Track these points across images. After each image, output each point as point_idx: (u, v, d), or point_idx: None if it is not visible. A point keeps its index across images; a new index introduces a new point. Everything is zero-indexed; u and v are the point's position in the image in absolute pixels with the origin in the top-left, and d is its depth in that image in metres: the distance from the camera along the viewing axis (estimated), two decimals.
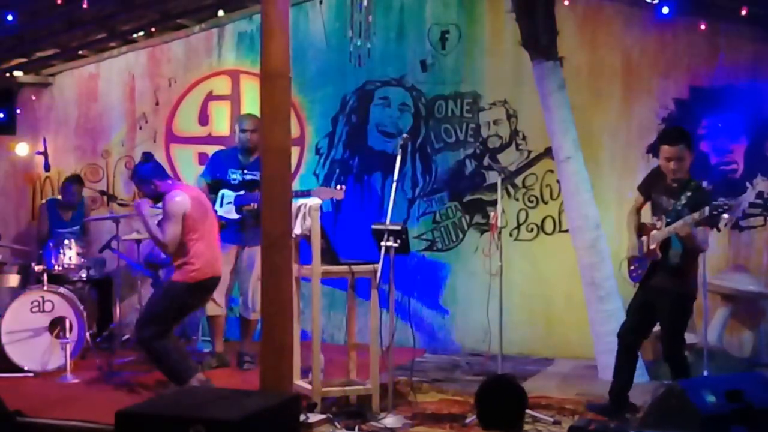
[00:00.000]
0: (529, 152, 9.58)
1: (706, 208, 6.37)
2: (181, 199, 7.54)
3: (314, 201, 7.20)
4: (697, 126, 8.94)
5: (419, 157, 9.98)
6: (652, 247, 6.84)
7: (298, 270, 7.27)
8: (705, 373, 7.73)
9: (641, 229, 7.08)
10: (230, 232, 8.71)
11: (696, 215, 6.45)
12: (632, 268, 7.13)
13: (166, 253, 7.63)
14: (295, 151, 9.98)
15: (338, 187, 8.26)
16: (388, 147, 10.00)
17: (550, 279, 9.37)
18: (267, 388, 6.16)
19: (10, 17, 8.74)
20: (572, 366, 8.60)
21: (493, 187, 8.84)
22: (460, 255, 9.87)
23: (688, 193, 6.72)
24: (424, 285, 9.90)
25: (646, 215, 7.13)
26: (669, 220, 6.71)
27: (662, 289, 6.83)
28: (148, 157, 7.86)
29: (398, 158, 7.22)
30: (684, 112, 9.02)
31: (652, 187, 7.05)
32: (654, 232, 6.84)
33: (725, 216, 6.60)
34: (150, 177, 7.69)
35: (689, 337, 8.51)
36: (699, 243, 6.66)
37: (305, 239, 7.24)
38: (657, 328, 8.68)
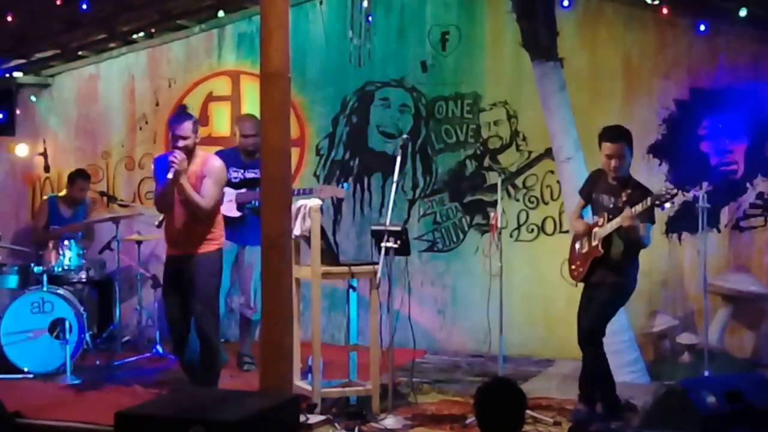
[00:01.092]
0: (530, 153, 9.55)
1: (649, 199, 6.52)
2: (223, 165, 7.49)
3: (314, 202, 7.17)
4: (697, 127, 8.94)
5: (420, 158, 9.95)
6: (594, 244, 6.91)
7: (298, 271, 7.23)
8: (706, 373, 7.72)
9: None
10: (230, 230, 8.68)
11: (639, 206, 6.54)
12: (573, 267, 7.20)
13: (200, 220, 7.32)
14: (295, 152, 9.93)
15: (341, 185, 8.23)
16: (389, 148, 9.97)
17: (551, 280, 9.31)
18: (267, 388, 6.12)
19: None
20: (573, 367, 8.51)
21: (493, 188, 8.81)
22: (460, 256, 9.84)
23: (629, 191, 6.82)
24: (424, 286, 9.88)
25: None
26: (611, 217, 6.78)
27: (602, 281, 6.92)
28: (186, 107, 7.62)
29: (398, 159, 7.21)
30: (684, 112, 9.00)
31: (592, 188, 7.15)
32: (596, 229, 6.92)
33: (667, 205, 6.74)
34: (197, 130, 7.50)
35: (690, 338, 8.57)
36: (641, 237, 6.73)
37: (305, 240, 7.22)
38: (658, 327, 8.76)
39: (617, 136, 6.93)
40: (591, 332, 6.86)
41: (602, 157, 6.97)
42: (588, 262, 6.97)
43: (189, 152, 7.25)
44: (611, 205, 6.88)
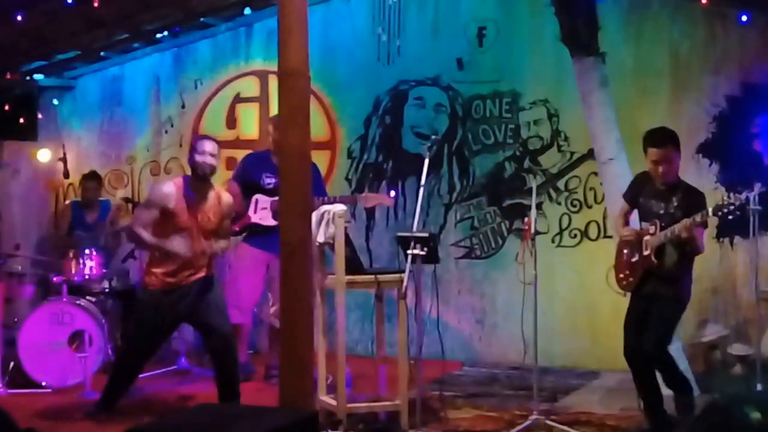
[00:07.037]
0: (572, 153, 9.26)
1: (710, 209, 6.18)
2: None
3: (338, 207, 6.85)
4: (750, 125, 8.63)
5: (456, 160, 9.68)
6: (646, 253, 6.57)
7: (323, 280, 6.95)
8: (759, 387, 7.34)
9: None
10: (263, 239, 8.38)
11: (698, 217, 6.21)
12: (621, 276, 6.88)
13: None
14: (326, 155, 9.89)
15: (391, 193, 7.94)
16: (424, 149, 9.63)
17: (595, 287, 8.98)
18: (287, 404, 5.86)
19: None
20: (619, 379, 8.24)
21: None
22: (499, 262, 9.54)
23: (680, 195, 6.52)
24: (462, 294, 9.61)
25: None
26: (663, 224, 6.45)
27: (655, 293, 6.58)
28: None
29: (426, 162, 6.88)
30: (736, 110, 8.68)
31: (638, 192, 6.83)
32: (647, 237, 6.59)
33: (731, 217, 6.30)
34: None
35: (742, 349, 8.24)
36: (699, 245, 6.42)
37: (329, 247, 6.90)
38: (708, 337, 8.45)
39: (664, 140, 6.59)
40: (659, 356, 6.51)
41: (648, 163, 6.64)
42: (639, 272, 6.64)
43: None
44: (661, 211, 6.55)
